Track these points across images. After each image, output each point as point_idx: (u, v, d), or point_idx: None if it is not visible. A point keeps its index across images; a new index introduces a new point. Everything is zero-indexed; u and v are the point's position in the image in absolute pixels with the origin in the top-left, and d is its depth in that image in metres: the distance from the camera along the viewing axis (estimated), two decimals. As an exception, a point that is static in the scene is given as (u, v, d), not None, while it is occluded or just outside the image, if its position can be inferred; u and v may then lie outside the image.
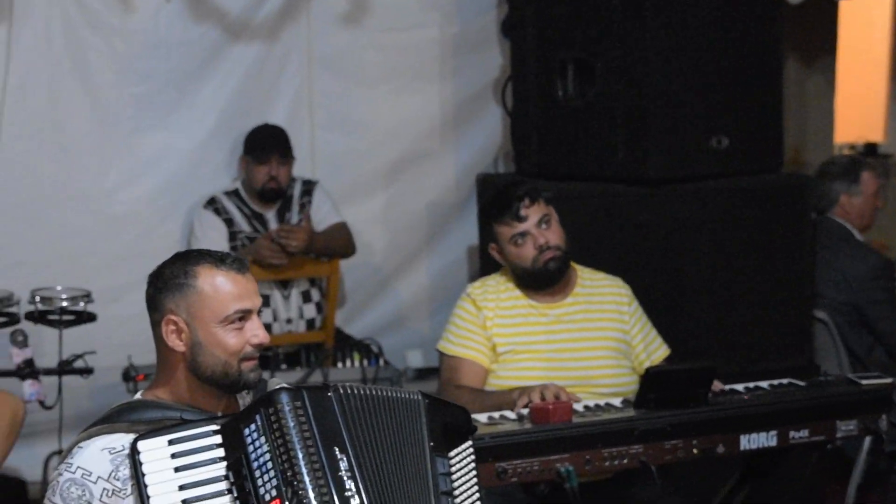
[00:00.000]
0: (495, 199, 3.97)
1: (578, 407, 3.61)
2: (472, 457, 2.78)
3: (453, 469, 2.72)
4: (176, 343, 2.63)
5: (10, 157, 5.20)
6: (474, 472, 2.77)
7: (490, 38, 5.87)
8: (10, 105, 5.16)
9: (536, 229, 3.89)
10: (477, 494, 2.75)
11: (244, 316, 2.64)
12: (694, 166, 4.96)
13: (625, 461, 3.45)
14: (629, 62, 4.86)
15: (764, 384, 3.89)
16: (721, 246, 4.99)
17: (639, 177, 4.90)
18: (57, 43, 5.23)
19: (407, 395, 2.72)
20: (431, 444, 2.68)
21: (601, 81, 4.91)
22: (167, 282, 2.64)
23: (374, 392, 2.66)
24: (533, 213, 3.90)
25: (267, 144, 5.29)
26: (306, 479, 2.46)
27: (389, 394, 2.69)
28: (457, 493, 2.70)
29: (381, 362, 5.22)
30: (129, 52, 5.32)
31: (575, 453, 3.38)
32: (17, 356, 4.64)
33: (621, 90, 4.88)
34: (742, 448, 3.62)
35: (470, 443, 2.78)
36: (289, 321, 5.32)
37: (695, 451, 3.55)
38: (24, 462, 5.05)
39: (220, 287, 2.62)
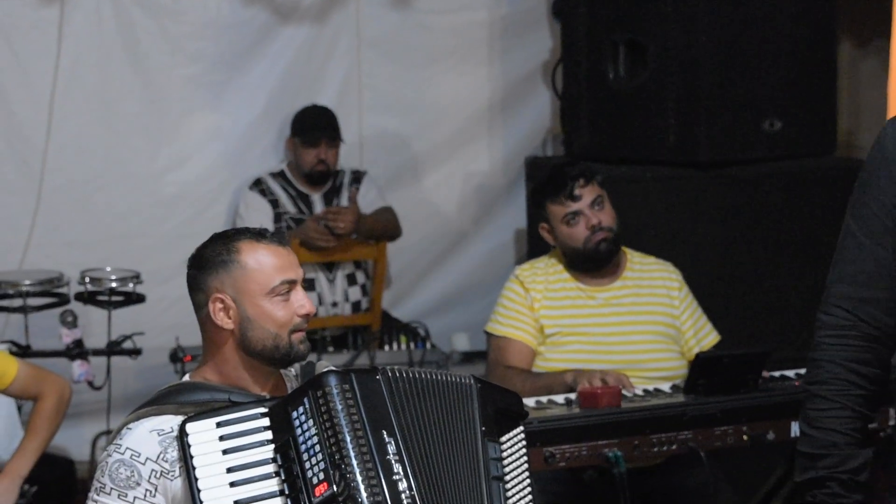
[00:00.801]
0: (549, 179, 3.95)
1: (627, 392, 3.58)
2: (524, 442, 2.76)
3: (504, 454, 2.70)
4: (224, 321, 2.62)
5: (62, 139, 5.23)
6: (525, 458, 2.75)
7: (539, 19, 5.84)
8: (62, 87, 5.20)
9: (590, 209, 3.87)
10: (528, 480, 2.73)
11: (290, 287, 2.63)
12: (746, 150, 4.91)
13: (674, 447, 3.43)
14: (682, 44, 4.81)
15: (815, 370, 3.84)
16: (773, 230, 4.93)
17: (690, 160, 4.86)
18: (108, 24, 5.25)
19: (459, 379, 2.70)
20: (483, 428, 2.66)
21: (653, 63, 4.87)
22: (209, 261, 2.63)
23: (423, 375, 2.64)
24: (587, 194, 3.87)
25: (315, 127, 5.28)
26: (354, 462, 2.45)
27: (440, 377, 2.67)
28: (508, 478, 2.68)
29: (428, 345, 5.21)
30: (179, 33, 5.34)
31: (623, 439, 3.36)
32: (67, 336, 4.67)
33: (673, 72, 4.83)
34: (793, 435, 3.56)
35: (521, 428, 2.76)
36: (334, 304, 5.32)
37: (745, 437, 3.52)
38: (72, 442, 5.10)
39: (264, 260, 2.62)
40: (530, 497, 2.72)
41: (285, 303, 2.63)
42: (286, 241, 2.68)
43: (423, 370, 2.66)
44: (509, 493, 2.67)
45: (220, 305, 2.62)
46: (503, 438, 2.71)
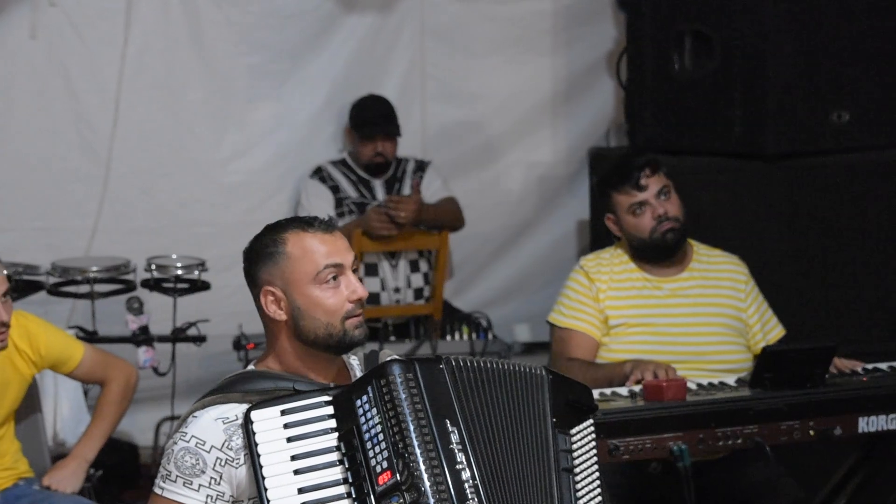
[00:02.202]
0: (615, 169, 3.93)
1: (692, 385, 3.55)
2: (593, 435, 2.74)
3: (574, 447, 2.68)
4: (276, 313, 2.63)
5: (127, 127, 5.28)
6: (594, 451, 2.73)
7: (603, 9, 5.80)
8: (128, 75, 5.24)
9: (656, 200, 3.84)
10: (596, 473, 2.71)
11: (337, 273, 2.61)
12: (813, 141, 4.87)
13: (739, 441, 3.40)
14: (749, 34, 4.77)
15: (883, 366, 3.80)
16: (839, 223, 4.88)
17: (756, 152, 4.82)
18: (174, 13, 5.29)
19: (530, 370, 2.68)
20: (554, 419, 2.65)
21: (719, 54, 4.83)
22: (258, 254, 2.64)
23: (490, 365, 2.63)
24: (653, 184, 3.85)
25: (372, 121, 5.29)
26: (417, 451, 2.45)
27: (510, 367, 2.65)
28: (577, 470, 2.66)
29: (490, 336, 5.20)
30: (244, 22, 5.37)
31: (688, 432, 3.33)
32: (133, 323, 4.71)
33: (740, 63, 4.79)
34: (860, 430, 3.54)
35: (591, 421, 2.74)
36: (396, 290, 5.32)
37: (811, 432, 3.47)
38: (136, 427, 5.15)
39: (308, 247, 2.61)
40: (599, 491, 2.71)
41: (334, 290, 2.61)
42: (334, 228, 2.66)
43: (492, 360, 2.65)
44: (578, 486, 2.66)
45: (271, 297, 2.63)
46: (573, 431, 2.70)
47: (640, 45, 5.15)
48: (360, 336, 2.64)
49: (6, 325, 3.52)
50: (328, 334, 2.61)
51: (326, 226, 2.65)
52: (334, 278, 2.61)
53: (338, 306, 2.61)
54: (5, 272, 3.55)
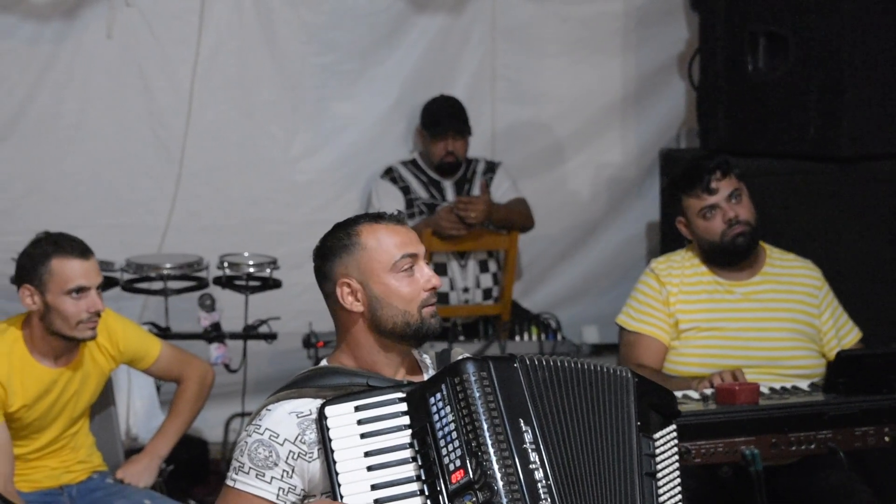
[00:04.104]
0: (686, 172, 3.90)
1: (764, 389, 3.52)
2: (676, 441, 2.73)
3: (657, 451, 2.67)
4: (353, 304, 2.64)
5: (200, 125, 5.32)
6: (677, 457, 2.72)
7: (675, 10, 5.77)
8: (201, 73, 5.29)
9: (726, 203, 3.81)
10: (678, 479, 2.70)
11: (412, 262, 2.64)
12: (889, 144, 4.81)
13: (812, 446, 3.36)
14: (824, 35, 4.72)
15: (961, 371, 3.74)
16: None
17: (831, 154, 4.77)
18: (247, 13, 5.33)
19: (616, 371, 2.67)
20: (639, 423, 2.64)
21: (794, 55, 4.79)
22: (332, 248, 2.66)
23: (567, 364, 2.62)
24: (724, 187, 3.81)
25: (443, 119, 5.30)
26: (490, 450, 2.45)
27: (592, 367, 2.65)
28: (659, 475, 2.65)
29: (559, 337, 5.19)
30: (316, 22, 5.40)
31: (761, 436, 3.30)
32: (205, 320, 4.74)
33: (815, 64, 4.75)
34: (936, 437, 3.48)
35: (674, 427, 2.73)
36: (465, 290, 5.33)
37: (886, 438, 3.42)
38: (206, 423, 5.19)
39: (383, 238, 2.64)
40: (680, 497, 2.69)
41: (410, 278, 2.64)
42: (404, 221, 2.69)
43: (571, 359, 2.64)
44: (661, 492, 2.64)
45: (347, 289, 2.65)
46: (657, 435, 2.69)
47: (713, 45, 5.11)
48: (435, 325, 2.66)
49: (98, 315, 3.58)
50: (406, 322, 2.63)
51: (396, 219, 2.68)
52: (410, 267, 2.64)
53: (414, 294, 2.63)
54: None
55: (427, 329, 2.65)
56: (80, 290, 3.54)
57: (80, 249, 3.57)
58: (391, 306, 2.63)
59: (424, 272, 2.65)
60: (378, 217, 2.67)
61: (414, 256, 2.65)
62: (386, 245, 2.63)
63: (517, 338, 5.19)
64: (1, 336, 3.61)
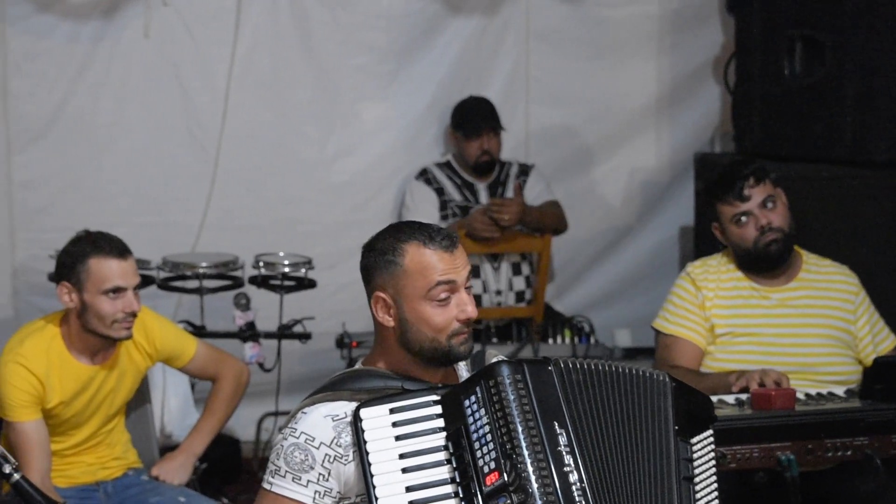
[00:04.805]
0: (720, 177, 3.89)
1: (800, 395, 3.50)
2: (713, 446, 2.73)
3: (695, 456, 2.67)
4: (386, 319, 2.64)
5: (236, 125, 5.35)
6: (713, 462, 2.71)
7: (710, 14, 5.75)
8: (237, 74, 5.31)
9: (760, 210, 3.79)
10: (715, 485, 2.69)
11: (449, 290, 2.61)
12: (925, 150, 4.77)
13: (848, 452, 3.34)
14: (861, 41, 4.70)
15: None
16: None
17: (867, 160, 4.75)
18: (283, 14, 5.35)
19: (653, 375, 2.67)
20: (676, 427, 2.63)
21: (831, 60, 4.76)
22: (377, 257, 2.64)
23: (603, 367, 2.62)
24: (757, 194, 3.80)
25: (476, 119, 5.30)
26: (525, 453, 2.45)
27: (628, 371, 2.64)
28: (696, 480, 2.65)
29: (592, 340, 5.18)
30: (351, 23, 5.41)
31: (797, 442, 3.28)
32: (240, 319, 4.76)
33: (851, 69, 4.72)
34: (973, 444, 3.46)
35: (711, 432, 2.73)
36: (498, 293, 5.33)
37: (923, 445, 3.41)
38: (238, 422, 5.20)
39: (425, 263, 2.60)
40: (717, 503, 2.69)
41: (444, 307, 2.61)
42: (455, 245, 2.64)
43: (608, 362, 2.64)
44: (698, 497, 2.64)
45: (382, 304, 2.64)
46: (694, 440, 2.69)
47: (749, 49, 5.09)
48: (465, 352, 2.65)
49: (134, 316, 3.60)
50: (433, 348, 2.62)
51: (449, 242, 2.63)
52: (446, 297, 2.61)
53: (445, 324, 2.61)
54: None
55: (455, 356, 2.64)
56: (117, 290, 3.56)
57: (118, 249, 3.59)
58: (420, 332, 2.62)
59: (462, 301, 2.61)
60: (430, 238, 2.62)
61: (453, 284, 2.61)
62: (427, 271, 2.60)
63: (550, 340, 5.18)
64: (39, 333, 3.64)
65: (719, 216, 3.86)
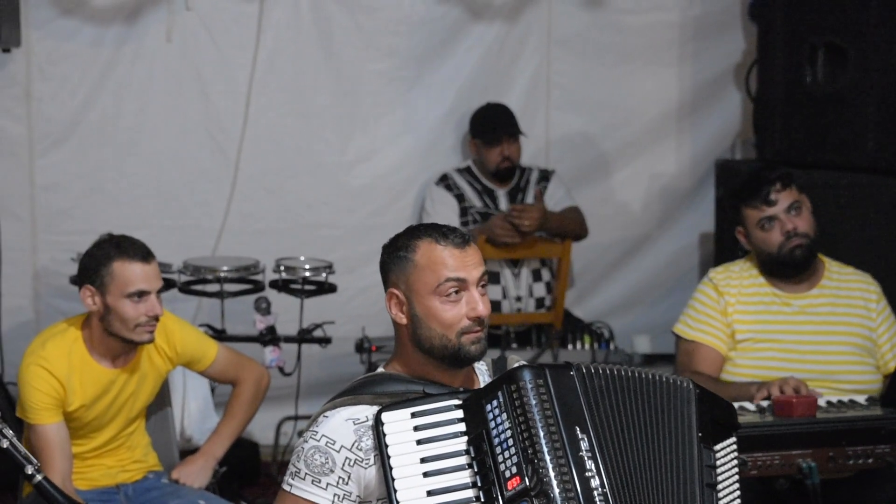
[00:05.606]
0: (746, 182, 3.89)
1: (822, 402, 3.50)
2: (736, 453, 2.73)
3: (718, 463, 2.66)
4: (398, 316, 2.66)
5: (257, 129, 5.36)
6: (736, 470, 2.71)
7: (732, 21, 5.75)
8: (259, 78, 5.32)
9: (785, 215, 3.79)
10: (738, 493, 2.69)
11: (460, 288, 2.61)
12: (948, 158, 4.76)
13: (870, 460, 3.34)
14: (884, 48, 4.69)
15: None
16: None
17: (889, 168, 4.73)
18: (305, 19, 5.36)
19: (677, 382, 2.66)
20: (700, 434, 2.62)
21: (853, 68, 4.75)
22: (393, 254, 2.67)
23: (626, 373, 2.61)
24: (783, 199, 3.80)
25: (495, 127, 5.30)
26: (546, 457, 2.44)
27: (653, 377, 2.64)
28: (719, 487, 2.64)
29: (612, 346, 5.18)
30: (373, 28, 5.42)
31: (818, 449, 3.29)
32: (261, 323, 4.76)
33: (874, 77, 4.72)
34: None
35: (734, 439, 2.72)
36: (518, 299, 5.32)
37: (944, 453, 3.40)
38: (258, 425, 5.20)
39: (435, 259, 2.62)
40: None
41: (454, 304, 2.61)
42: (467, 243, 2.65)
43: (631, 368, 2.63)
44: None
45: (395, 300, 2.66)
46: (717, 447, 2.68)
47: (772, 56, 5.09)
48: (476, 352, 2.64)
49: (157, 319, 3.61)
50: (443, 346, 2.62)
51: (461, 240, 2.64)
52: (456, 292, 2.62)
53: (454, 320, 2.61)
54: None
55: (464, 355, 2.63)
56: (141, 293, 3.57)
57: (142, 253, 3.60)
58: (430, 328, 2.62)
59: (473, 299, 2.62)
60: (443, 235, 2.64)
61: (462, 282, 2.61)
62: (436, 267, 2.61)
63: (569, 346, 5.18)
64: (61, 336, 3.65)
65: (744, 220, 3.86)
